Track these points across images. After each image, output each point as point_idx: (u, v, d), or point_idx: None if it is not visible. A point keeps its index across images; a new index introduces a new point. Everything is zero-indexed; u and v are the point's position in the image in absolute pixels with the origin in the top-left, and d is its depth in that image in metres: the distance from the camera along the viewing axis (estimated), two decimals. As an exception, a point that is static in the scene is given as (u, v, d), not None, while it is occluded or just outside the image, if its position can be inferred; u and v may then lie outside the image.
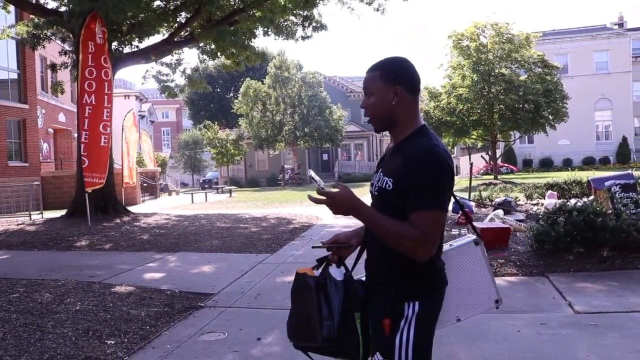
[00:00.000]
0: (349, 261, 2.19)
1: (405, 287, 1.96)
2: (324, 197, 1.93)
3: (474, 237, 2.34)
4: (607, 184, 9.30)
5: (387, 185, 1.95)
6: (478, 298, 2.28)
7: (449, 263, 2.11)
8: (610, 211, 7.26)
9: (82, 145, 12.43)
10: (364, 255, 2.16)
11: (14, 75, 23.25)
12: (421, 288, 1.96)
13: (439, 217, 1.88)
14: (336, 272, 2.06)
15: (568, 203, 7.73)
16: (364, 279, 2.14)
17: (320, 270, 2.11)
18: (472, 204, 12.38)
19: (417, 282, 1.95)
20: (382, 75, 2.02)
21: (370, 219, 1.92)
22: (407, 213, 1.87)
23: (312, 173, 2.18)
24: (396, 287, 1.97)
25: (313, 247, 2.17)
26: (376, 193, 2.04)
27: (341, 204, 1.92)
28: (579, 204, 7.27)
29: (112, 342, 4.45)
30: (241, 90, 42.31)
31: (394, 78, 2.00)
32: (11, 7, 17.71)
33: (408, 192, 1.87)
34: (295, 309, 2.15)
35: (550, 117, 27.41)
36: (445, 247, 2.23)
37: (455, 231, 9.70)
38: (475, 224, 7.39)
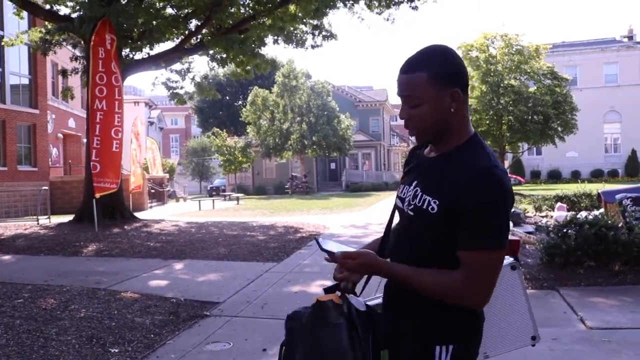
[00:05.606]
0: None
1: (438, 326, 1.59)
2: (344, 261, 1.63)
3: (511, 260, 1.89)
4: (618, 197, 9.20)
5: (429, 207, 1.57)
6: (511, 333, 1.91)
7: None
8: (621, 224, 7.16)
9: (94, 151, 12.37)
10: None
11: (26, 81, 23.43)
12: (458, 328, 1.59)
13: (498, 259, 1.52)
14: (356, 302, 1.66)
15: (579, 216, 7.63)
16: (376, 302, 1.80)
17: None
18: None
19: (454, 320, 1.58)
20: (432, 77, 1.55)
21: (406, 279, 1.57)
22: (457, 250, 1.53)
23: (323, 242, 1.75)
24: (427, 327, 1.60)
25: (324, 290, 1.79)
26: (412, 213, 1.63)
27: (363, 269, 1.63)
28: (589, 217, 7.18)
29: (116, 351, 4.40)
30: (249, 98, 42.46)
31: (448, 79, 1.57)
32: (24, 13, 17.85)
33: (458, 222, 1.52)
34: (313, 347, 1.62)
35: (559, 128, 27.39)
36: None
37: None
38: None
